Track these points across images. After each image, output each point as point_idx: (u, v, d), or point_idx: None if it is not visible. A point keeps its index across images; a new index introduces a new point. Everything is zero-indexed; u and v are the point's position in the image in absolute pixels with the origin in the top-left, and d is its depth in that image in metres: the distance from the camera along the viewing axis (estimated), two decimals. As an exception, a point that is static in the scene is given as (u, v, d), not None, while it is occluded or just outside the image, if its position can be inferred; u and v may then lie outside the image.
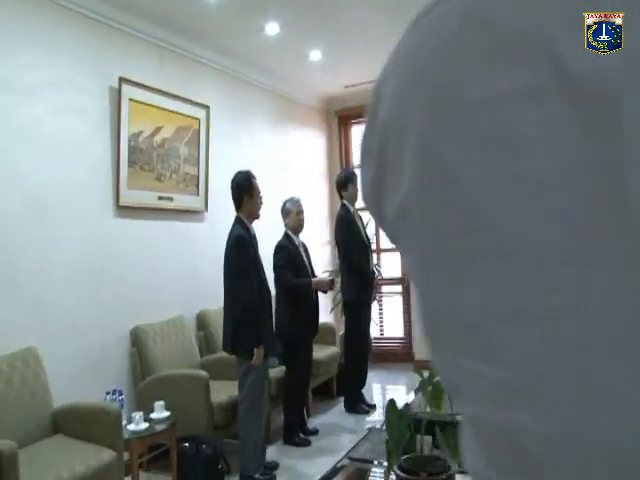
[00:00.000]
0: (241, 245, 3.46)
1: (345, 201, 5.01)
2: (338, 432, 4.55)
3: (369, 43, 5.48)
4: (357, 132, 7.45)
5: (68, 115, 3.73)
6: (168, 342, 4.09)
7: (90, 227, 3.84)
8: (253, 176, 3.68)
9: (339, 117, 7.34)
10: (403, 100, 0.30)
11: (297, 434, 4.32)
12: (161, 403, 3.45)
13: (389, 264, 6.95)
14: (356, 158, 7.33)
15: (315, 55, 5.47)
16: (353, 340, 4.99)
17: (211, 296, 4.58)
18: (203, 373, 3.68)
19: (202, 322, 4.66)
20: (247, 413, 3.54)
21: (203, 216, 4.96)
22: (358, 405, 5.01)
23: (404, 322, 7.07)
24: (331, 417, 4.97)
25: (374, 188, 0.34)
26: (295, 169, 6.48)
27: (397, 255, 7.19)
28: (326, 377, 5.29)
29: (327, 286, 4.48)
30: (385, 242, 6.86)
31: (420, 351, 6.58)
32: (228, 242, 3.55)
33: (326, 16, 4.72)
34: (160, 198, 4.42)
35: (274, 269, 4.25)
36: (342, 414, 5.01)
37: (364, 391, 5.16)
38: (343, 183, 5.00)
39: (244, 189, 3.59)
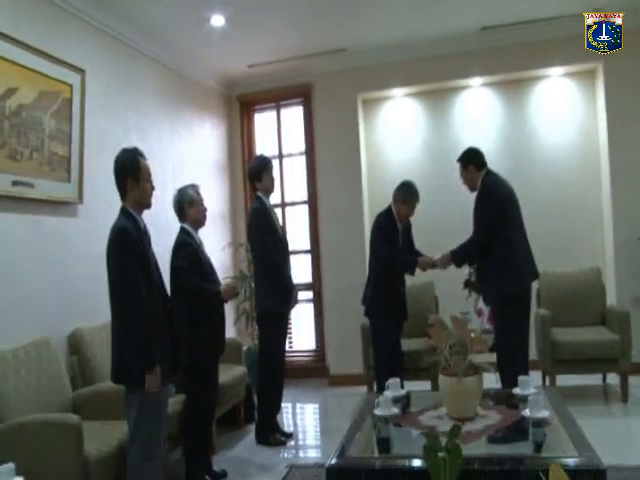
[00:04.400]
0: (122, 240, 2.62)
1: (260, 193, 4.19)
2: (251, 472, 3.74)
3: (280, 16, 4.70)
4: (261, 120, 6.60)
5: None
6: (26, 375, 3.04)
7: None
8: (141, 155, 2.80)
9: (241, 102, 6.49)
10: None
11: (202, 482, 3.46)
12: (10, 467, 2.42)
13: (298, 268, 6.18)
14: (260, 149, 6.48)
15: (217, 20, 4.59)
16: (268, 358, 4.19)
17: (89, 310, 3.82)
18: (72, 418, 2.66)
19: (75, 344, 3.62)
20: (139, 465, 2.64)
21: (76, 209, 3.93)
22: (272, 435, 4.22)
23: (316, 332, 6.35)
24: (240, 452, 4.13)
25: None
26: (190, 158, 5.56)
27: (307, 257, 6.46)
28: (232, 403, 4.44)
29: (235, 293, 3.72)
30: (295, 243, 6.07)
31: (335, 364, 5.86)
32: (108, 238, 2.65)
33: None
34: (15, 183, 3.36)
35: (175, 270, 3.48)
36: (253, 447, 4.18)
37: (278, 417, 4.36)
38: (256, 173, 4.20)
39: (128, 171, 2.73)
